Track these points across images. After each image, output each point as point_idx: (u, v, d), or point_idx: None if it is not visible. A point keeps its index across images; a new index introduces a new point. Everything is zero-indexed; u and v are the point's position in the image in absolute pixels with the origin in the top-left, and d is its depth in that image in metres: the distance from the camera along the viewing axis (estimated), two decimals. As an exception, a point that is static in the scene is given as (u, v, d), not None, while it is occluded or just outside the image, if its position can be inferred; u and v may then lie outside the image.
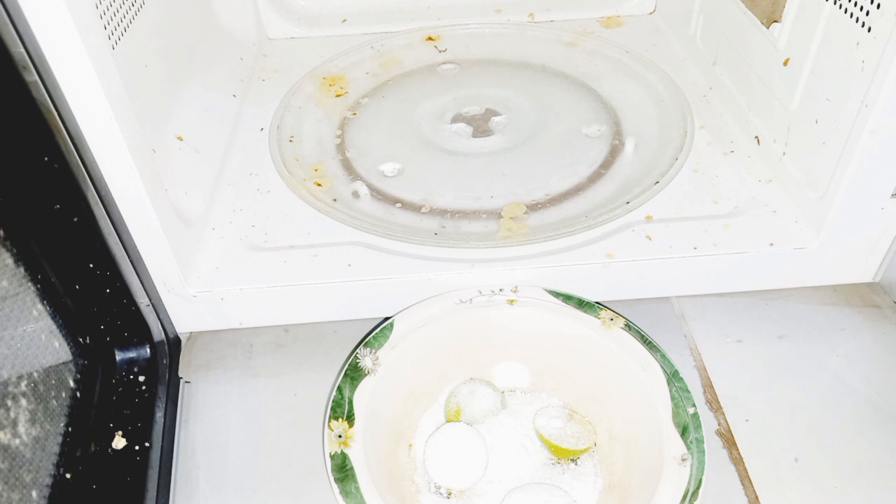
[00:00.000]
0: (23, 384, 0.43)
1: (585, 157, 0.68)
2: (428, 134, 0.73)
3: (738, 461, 0.51)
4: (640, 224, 0.60)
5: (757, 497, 0.49)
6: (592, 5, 0.91)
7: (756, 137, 0.66)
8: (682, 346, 0.58)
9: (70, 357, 0.50)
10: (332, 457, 0.45)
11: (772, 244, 0.58)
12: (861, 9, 0.50)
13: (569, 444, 0.50)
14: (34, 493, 0.42)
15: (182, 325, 0.59)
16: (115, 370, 0.54)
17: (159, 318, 0.56)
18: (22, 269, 0.45)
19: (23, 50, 0.39)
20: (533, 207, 0.63)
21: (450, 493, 0.49)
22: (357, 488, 0.43)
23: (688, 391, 0.48)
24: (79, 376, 0.50)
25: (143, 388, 0.53)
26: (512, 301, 0.55)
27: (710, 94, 0.75)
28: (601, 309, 0.54)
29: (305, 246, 0.59)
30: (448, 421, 0.52)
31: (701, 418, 0.47)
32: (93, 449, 0.49)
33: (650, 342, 0.51)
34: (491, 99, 0.77)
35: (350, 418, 0.47)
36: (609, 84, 0.79)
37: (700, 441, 0.45)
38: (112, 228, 0.48)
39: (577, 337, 0.53)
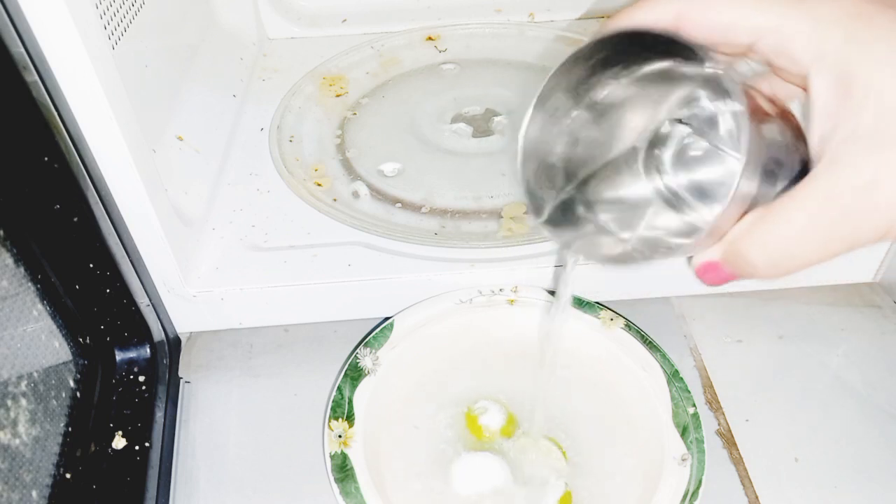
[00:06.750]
0: (23, 384, 0.43)
1: (585, 157, 0.68)
2: (428, 134, 0.73)
3: (738, 461, 0.51)
4: (640, 224, 0.60)
5: (757, 497, 0.49)
6: (593, 5, 0.91)
7: (756, 137, 0.66)
8: (682, 346, 0.58)
9: (70, 357, 0.50)
10: (332, 457, 0.45)
11: (772, 244, 0.58)
12: (861, 9, 0.50)
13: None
14: (34, 493, 0.42)
15: (182, 325, 0.59)
16: (115, 370, 0.54)
17: (159, 318, 0.56)
18: (22, 269, 0.45)
19: (23, 50, 0.39)
20: (533, 207, 0.63)
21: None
22: (357, 488, 0.43)
23: (688, 391, 0.48)
24: (79, 376, 0.50)
25: (143, 388, 0.53)
26: (512, 301, 0.55)
27: (710, 94, 0.75)
28: (601, 309, 0.54)
29: (305, 246, 0.59)
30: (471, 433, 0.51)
31: (701, 418, 0.47)
32: (93, 449, 0.49)
33: (650, 342, 0.51)
34: (491, 99, 0.77)
35: (350, 418, 0.47)
36: (609, 84, 0.78)
37: (700, 441, 0.45)
38: (112, 228, 0.48)
39: (577, 337, 0.53)
